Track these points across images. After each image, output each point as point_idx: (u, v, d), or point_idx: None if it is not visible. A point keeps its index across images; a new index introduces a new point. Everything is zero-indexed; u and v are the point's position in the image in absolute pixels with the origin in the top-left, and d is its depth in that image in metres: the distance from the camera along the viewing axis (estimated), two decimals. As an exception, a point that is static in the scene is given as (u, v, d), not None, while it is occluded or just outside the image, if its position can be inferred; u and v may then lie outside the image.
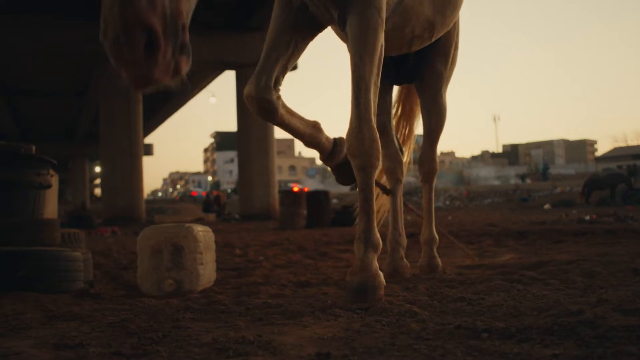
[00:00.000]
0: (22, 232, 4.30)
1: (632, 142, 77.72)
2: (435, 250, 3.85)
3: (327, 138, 3.04)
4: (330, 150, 3.06)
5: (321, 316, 2.11)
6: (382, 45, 2.61)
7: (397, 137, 3.99)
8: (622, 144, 78.70)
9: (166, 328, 2.00)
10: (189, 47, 1.61)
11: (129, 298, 2.96)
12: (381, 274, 2.54)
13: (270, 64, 2.72)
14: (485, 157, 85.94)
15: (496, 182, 49.02)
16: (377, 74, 2.62)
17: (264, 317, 2.13)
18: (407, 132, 4.32)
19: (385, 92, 3.83)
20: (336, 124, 54.48)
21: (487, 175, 58.74)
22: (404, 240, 3.77)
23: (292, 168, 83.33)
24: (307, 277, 3.70)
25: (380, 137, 3.77)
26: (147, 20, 1.48)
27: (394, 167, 3.85)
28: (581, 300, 2.19)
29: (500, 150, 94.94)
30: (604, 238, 6.27)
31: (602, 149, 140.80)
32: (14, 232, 4.23)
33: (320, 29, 2.93)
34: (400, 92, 4.31)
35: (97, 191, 61.20)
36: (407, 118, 4.31)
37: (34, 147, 5.55)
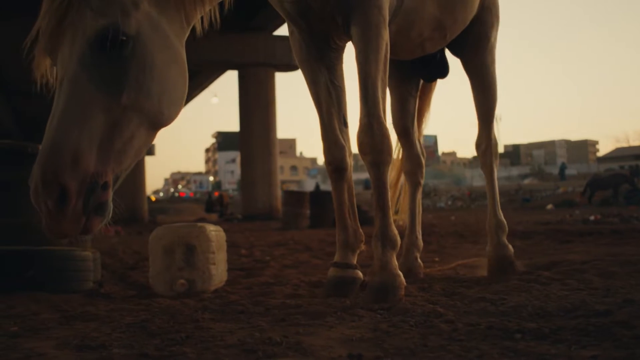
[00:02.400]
0: (30, 232, 4.26)
1: (634, 143, 77.35)
2: (504, 238, 3.50)
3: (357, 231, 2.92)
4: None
5: (345, 316, 2.08)
6: (387, 43, 2.59)
7: (419, 141, 3.92)
8: (624, 144, 78.43)
9: (188, 329, 1.97)
10: (107, 207, 1.79)
11: (142, 298, 2.93)
12: (401, 273, 2.51)
13: (331, 120, 2.82)
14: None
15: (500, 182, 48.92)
16: (384, 71, 2.60)
17: (286, 318, 2.10)
18: (420, 127, 4.24)
19: (409, 95, 3.77)
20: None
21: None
22: (421, 243, 3.74)
23: (293, 168, 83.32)
24: (318, 277, 3.66)
25: (401, 140, 3.72)
26: (61, 180, 1.65)
27: (414, 170, 3.80)
28: (607, 300, 2.16)
29: (501, 150, 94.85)
30: (611, 238, 6.25)
31: (603, 149, 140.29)
32: (22, 232, 4.19)
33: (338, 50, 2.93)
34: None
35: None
36: (419, 113, 4.25)
37: (40, 146, 5.51)
